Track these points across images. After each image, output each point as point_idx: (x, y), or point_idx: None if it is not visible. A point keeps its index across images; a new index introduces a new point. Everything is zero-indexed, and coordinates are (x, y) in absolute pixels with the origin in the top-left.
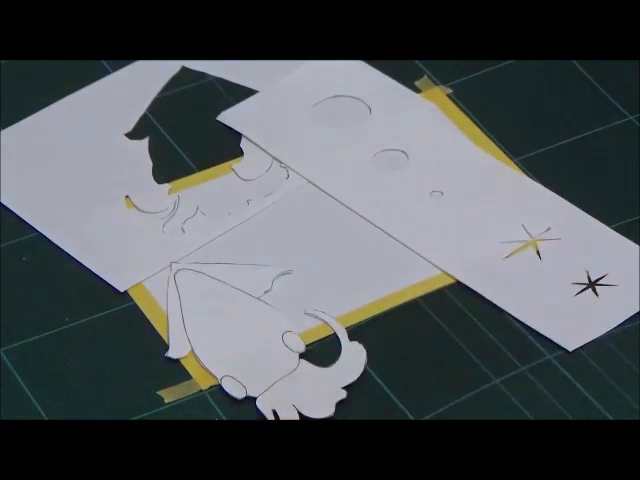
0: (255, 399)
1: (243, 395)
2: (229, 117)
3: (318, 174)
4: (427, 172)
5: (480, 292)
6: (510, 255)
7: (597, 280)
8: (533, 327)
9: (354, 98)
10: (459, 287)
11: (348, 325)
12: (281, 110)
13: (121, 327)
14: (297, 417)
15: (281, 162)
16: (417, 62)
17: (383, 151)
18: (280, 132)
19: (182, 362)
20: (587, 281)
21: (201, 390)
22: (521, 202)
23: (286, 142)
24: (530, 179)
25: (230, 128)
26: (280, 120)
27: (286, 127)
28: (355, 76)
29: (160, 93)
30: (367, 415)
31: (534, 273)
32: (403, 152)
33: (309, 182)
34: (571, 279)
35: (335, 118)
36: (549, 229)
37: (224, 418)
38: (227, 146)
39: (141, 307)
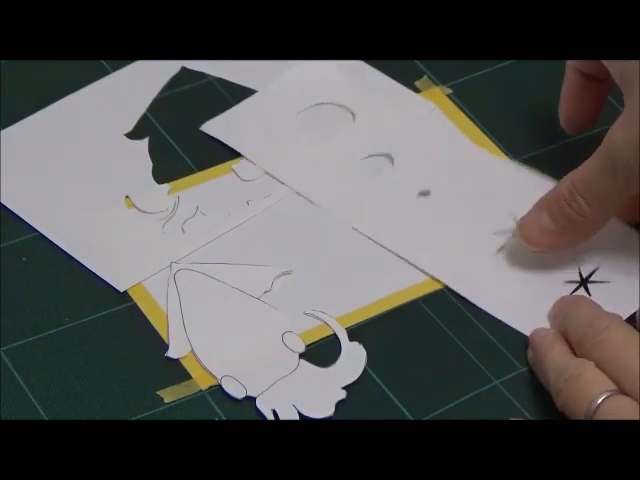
0: (255, 399)
1: (243, 395)
2: (212, 127)
3: (304, 184)
4: (425, 172)
5: (470, 299)
6: (500, 250)
7: (588, 277)
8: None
9: (337, 105)
10: None
11: (348, 325)
12: (264, 119)
13: (121, 327)
14: (297, 417)
15: (267, 172)
16: (417, 62)
17: (369, 157)
18: (263, 142)
19: (182, 362)
20: (579, 279)
21: (201, 390)
22: (519, 201)
23: (270, 152)
24: (530, 173)
25: None
26: (263, 129)
27: (270, 136)
28: (337, 80)
29: (160, 93)
30: (367, 415)
31: (528, 272)
32: (387, 155)
33: (297, 194)
34: (564, 277)
35: (319, 125)
36: None
37: (224, 418)
38: (227, 146)
39: (141, 307)
